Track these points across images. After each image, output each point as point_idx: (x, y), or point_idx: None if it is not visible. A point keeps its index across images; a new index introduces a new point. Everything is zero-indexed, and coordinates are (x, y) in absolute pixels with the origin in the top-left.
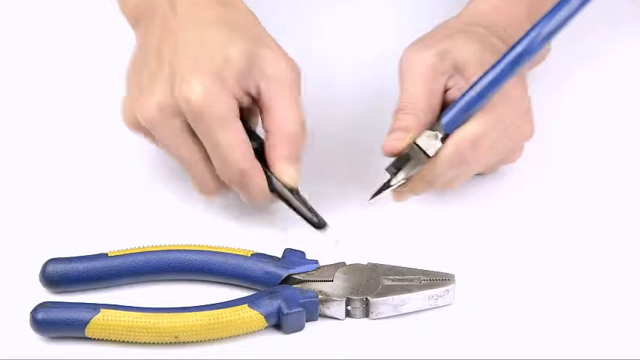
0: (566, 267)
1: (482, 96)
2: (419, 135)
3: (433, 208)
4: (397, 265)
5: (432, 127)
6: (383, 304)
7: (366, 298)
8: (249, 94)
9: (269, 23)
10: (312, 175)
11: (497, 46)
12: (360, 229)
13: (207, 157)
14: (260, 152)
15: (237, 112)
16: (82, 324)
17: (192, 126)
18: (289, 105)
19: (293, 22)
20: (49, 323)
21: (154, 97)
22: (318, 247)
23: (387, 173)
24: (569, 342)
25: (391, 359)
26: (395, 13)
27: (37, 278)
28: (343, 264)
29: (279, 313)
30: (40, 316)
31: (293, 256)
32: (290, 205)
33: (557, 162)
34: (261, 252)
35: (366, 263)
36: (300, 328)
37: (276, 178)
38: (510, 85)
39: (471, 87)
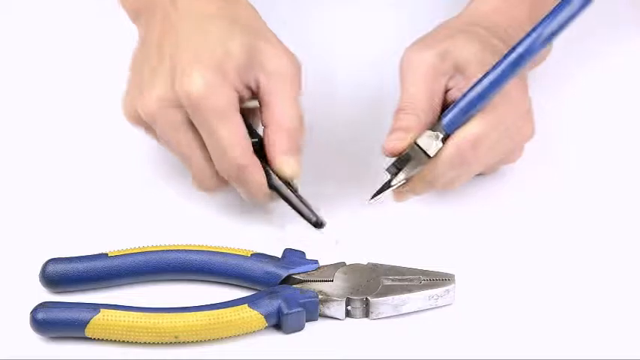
0: (567, 267)
1: (482, 96)
2: (419, 135)
3: (433, 209)
4: (397, 265)
5: (432, 127)
6: (383, 304)
7: (366, 298)
8: (249, 88)
9: (268, 24)
10: (312, 175)
11: (498, 46)
12: (360, 229)
13: (206, 153)
14: (259, 150)
15: (237, 106)
16: (82, 324)
17: (192, 119)
18: (288, 100)
19: (292, 23)
20: (49, 323)
21: (154, 91)
22: (318, 247)
23: (387, 173)
24: (569, 342)
25: (391, 359)
26: (395, 13)
27: (37, 278)
28: (343, 264)
29: (279, 313)
30: (40, 316)
31: (293, 256)
32: (288, 202)
33: (558, 162)
34: (261, 252)
35: (366, 263)
36: (300, 328)
37: (275, 174)
38: (511, 85)
39: (472, 87)
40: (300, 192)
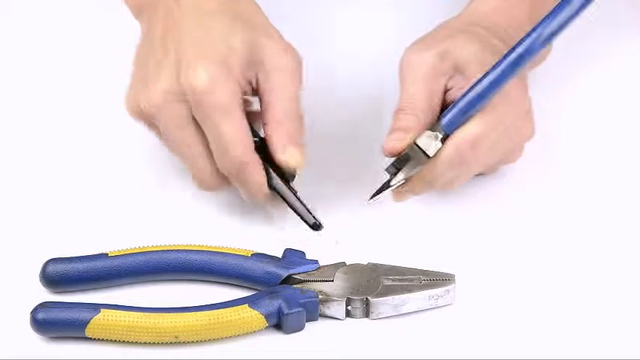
0: (567, 267)
1: (482, 97)
2: (419, 135)
3: (433, 208)
4: (397, 265)
5: (432, 127)
6: (383, 304)
7: (367, 298)
8: (250, 84)
9: None
10: (312, 175)
11: (497, 46)
12: (360, 229)
13: (208, 150)
14: (260, 150)
15: (240, 102)
16: (82, 324)
17: (195, 114)
18: (288, 95)
19: (292, 24)
20: (49, 323)
21: (159, 84)
22: (318, 247)
23: (386, 173)
24: (569, 342)
25: (391, 359)
26: (395, 13)
27: (37, 278)
28: (343, 264)
29: (279, 313)
30: (40, 316)
31: (293, 256)
32: (288, 203)
33: (558, 162)
34: (262, 252)
35: (366, 263)
36: (300, 328)
37: (275, 174)
38: (511, 85)
39: (472, 87)
40: (300, 192)
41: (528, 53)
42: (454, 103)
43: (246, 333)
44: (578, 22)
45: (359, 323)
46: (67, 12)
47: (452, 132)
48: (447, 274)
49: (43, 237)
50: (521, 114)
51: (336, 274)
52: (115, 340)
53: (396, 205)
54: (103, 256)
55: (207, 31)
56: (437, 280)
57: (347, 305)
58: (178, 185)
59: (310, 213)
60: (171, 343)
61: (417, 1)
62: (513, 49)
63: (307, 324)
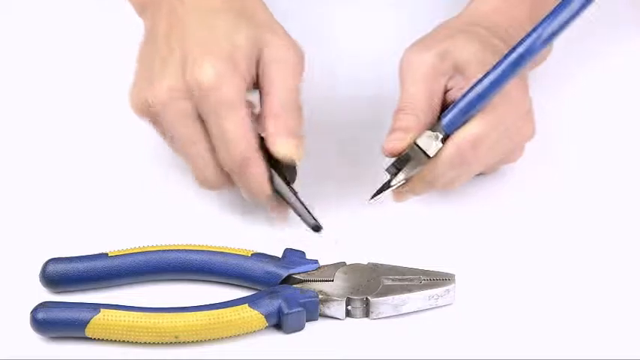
0: (567, 267)
1: (482, 97)
2: (419, 135)
3: (433, 208)
4: (397, 265)
5: (432, 127)
6: (383, 304)
7: (367, 298)
8: (253, 80)
9: None
10: (312, 175)
11: (498, 46)
12: (360, 229)
13: (211, 147)
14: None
15: (245, 98)
16: (82, 324)
17: (200, 110)
18: (287, 88)
19: (292, 24)
20: (49, 323)
21: (165, 82)
22: (318, 247)
23: (386, 173)
24: (569, 342)
25: (391, 359)
26: (395, 13)
27: (37, 278)
28: (343, 264)
29: (279, 313)
30: (40, 316)
31: (293, 255)
32: (288, 203)
33: (558, 162)
34: (262, 252)
35: (366, 263)
36: (300, 328)
37: (276, 173)
38: (511, 85)
39: (472, 87)
40: (301, 192)
41: (529, 53)
42: (454, 103)
43: (246, 333)
44: (578, 22)
45: (359, 323)
46: (70, 10)
47: (452, 132)
48: (447, 274)
49: (43, 237)
50: (522, 114)
51: (336, 274)
52: (115, 340)
53: (396, 205)
54: (103, 256)
55: (211, 29)
56: (437, 280)
57: (347, 305)
58: (178, 185)
59: (311, 214)
60: (171, 343)
61: (417, 1)
62: (514, 49)
63: (307, 324)
